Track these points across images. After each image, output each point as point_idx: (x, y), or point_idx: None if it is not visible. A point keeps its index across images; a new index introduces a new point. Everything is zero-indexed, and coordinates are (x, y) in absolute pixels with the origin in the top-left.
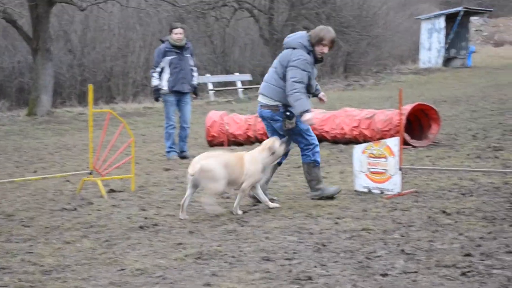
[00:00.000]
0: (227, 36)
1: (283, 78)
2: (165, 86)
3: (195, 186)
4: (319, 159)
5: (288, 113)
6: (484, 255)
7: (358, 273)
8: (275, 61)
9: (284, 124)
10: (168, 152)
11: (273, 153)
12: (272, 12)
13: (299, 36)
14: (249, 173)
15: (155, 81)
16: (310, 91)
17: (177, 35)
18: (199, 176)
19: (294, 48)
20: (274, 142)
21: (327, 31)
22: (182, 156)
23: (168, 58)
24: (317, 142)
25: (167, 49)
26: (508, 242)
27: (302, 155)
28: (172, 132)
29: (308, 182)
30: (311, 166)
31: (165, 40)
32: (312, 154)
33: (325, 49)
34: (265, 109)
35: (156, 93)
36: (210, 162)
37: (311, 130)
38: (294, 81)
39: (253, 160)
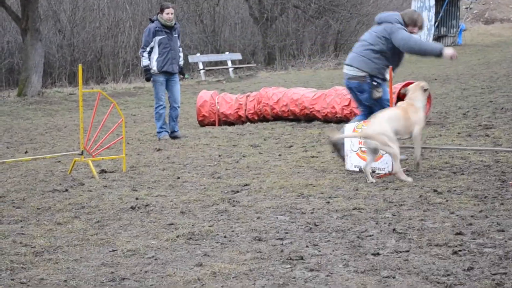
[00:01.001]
0: (217, 15)
1: (378, 50)
2: (154, 66)
3: (373, 151)
4: None
5: (375, 83)
6: (475, 233)
7: (349, 252)
8: (366, 35)
9: (373, 93)
10: (159, 132)
11: (425, 90)
12: None
13: (394, 14)
14: (416, 120)
15: (145, 61)
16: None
17: (168, 15)
18: (372, 142)
19: (391, 23)
20: (421, 83)
21: (418, 15)
22: (173, 136)
23: (157, 38)
24: None
25: (157, 28)
26: (499, 220)
27: None
28: (162, 112)
29: None
30: None
31: (154, 19)
32: None
33: (415, 30)
34: (353, 80)
35: (148, 73)
36: (375, 126)
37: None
38: (409, 37)
39: (415, 107)
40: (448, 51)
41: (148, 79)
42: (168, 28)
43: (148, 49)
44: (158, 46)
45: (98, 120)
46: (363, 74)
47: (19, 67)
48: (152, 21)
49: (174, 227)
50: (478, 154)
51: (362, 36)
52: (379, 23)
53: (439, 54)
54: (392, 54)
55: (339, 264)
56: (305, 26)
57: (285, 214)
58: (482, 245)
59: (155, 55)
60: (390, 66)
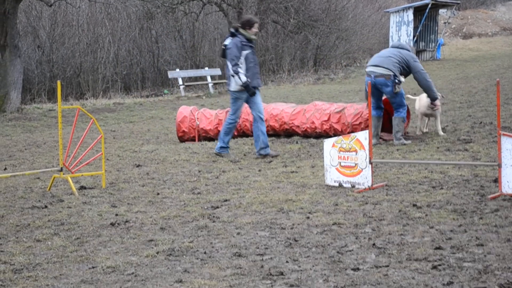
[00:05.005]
0: (196, 31)
1: (399, 59)
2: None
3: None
4: (405, 117)
5: (397, 80)
6: (454, 248)
7: (329, 267)
8: (390, 49)
9: (395, 88)
10: (224, 147)
11: None
12: (241, 6)
13: (408, 45)
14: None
15: (244, 77)
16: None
17: (256, 29)
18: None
19: (409, 51)
20: None
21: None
22: (265, 153)
23: (244, 53)
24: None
25: (243, 43)
26: (478, 234)
27: (396, 111)
28: (233, 128)
29: (396, 133)
30: (401, 120)
31: (235, 33)
32: (404, 112)
33: None
34: (379, 77)
35: (250, 88)
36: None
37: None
38: (425, 72)
39: None
40: (438, 102)
41: (253, 94)
42: (251, 42)
43: (240, 65)
44: (245, 61)
45: (77, 136)
46: (390, 73)
47: None
48: (233, 35)
49: (154, 243)
50: (457, 168)
51: (384, 51)
52: (398, 47)
53: (434, 99)
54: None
55: (319, 280)
56: (285, 41)
57: (265, 230)
58: (462, 259)
59: (242, 70)
60: (369, 82)
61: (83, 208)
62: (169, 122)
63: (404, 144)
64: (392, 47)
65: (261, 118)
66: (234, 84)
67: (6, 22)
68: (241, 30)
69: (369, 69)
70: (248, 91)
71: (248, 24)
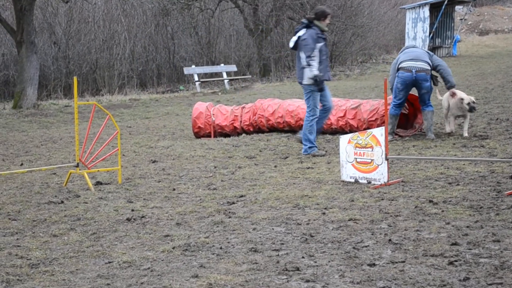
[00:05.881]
0: (212, 27)
1: (426, 55)
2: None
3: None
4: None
5: (432, 75)
6: (471, 244)
7: (345, 263)
8: (414, 48)
9: (434, 82)
10: (312, 147)
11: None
12: (256, 3)
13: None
14: None
15: (317, 71)
16: None
17: (329, 21)
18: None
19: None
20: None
21: None
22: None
23: (318, 45)
24: None
25: (318, 35)
26: (495, 230)
27: (427, 106)
28: (315, 124)
29: (430, 126)
30: (433, 113)
31: (309, 25)
32: (432, 106)
33: None
34: (420, 72)
35: (321, 83)
36: None
37: None
38: (444, 62)
39: None
40: (455, 90)
41: (321, 90)
42: (324, 34)
43: (314, 57)
44: (319, 54)
45: (93, 132)
46: (429, 68)
47: (14, 79)
48: (307, 27)
49: (170, 239)
50: (474, 164)
51: (413, 48)
52: (412, 47)
53: (451, 86)
54: None
55: (335, 275)
56: None
57: (281, 225)
58: (478, 255)
59: (315, 63)
60: (385, 78)
61: (99, 203)
62: (184, 118)
63: (433, 139)
64: (409, 47)
65: (328, 109)
66: (307, 77)
67: (22, 18)
68: (315, 22)
69: (407, 63)
70: (318, 85)
71: (322, 15)
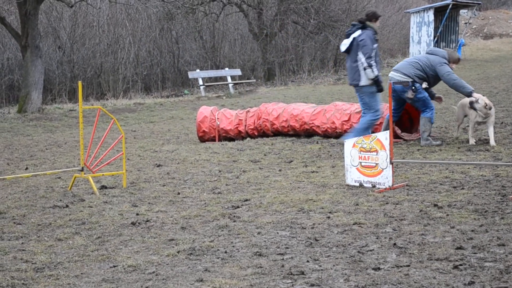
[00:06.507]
0: (217, 31)
1: (423, 65)
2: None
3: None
4: (433, 118)
5: (414, 87)
6: (476, 248)
7: (350, 267)
8: (420, 55)
9: (409, 94)
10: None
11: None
12: (261, 7)
13: (442, 51)
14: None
15: (377, 71)
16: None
17: (379, 23)
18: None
19: (439, 56)
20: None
21: (457, 55)
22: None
23: (375, 46)
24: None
25: (375, 36)
26: (500, 234)
27: (422, 112)
28: (371, 127)
29: (422, 133)
30: (427, 120)
31: (363, 26)
32: (430, 113)
33: (453, 66)
34: (397, 84)
35: (380, 84)
36: None
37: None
38: (451, 73)
39: None
40: (477, 94)
41: (381, 90)
42: (376, 36)
43: (373, 57)
44: (375, 55)
45: (98, 136)
46: (408, 79)
47: (19, 83)
48: (362, 28)
49: (175, 243)
50: (478, 168)
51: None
52: (429, 53)
53: (468, 94)
54: (432, 78)
55: (340, 279)
56: (305, 41)
57: (286, 229)
58: (483, 259)
59: (375, 64)
60: (389, 82)
61: (104, 207)
62: (189, 122)
63: (433, 145)
64: (426, 53)
65: (377, 111)
66: (366, 79)
67: (27, 23)
68: (368, 23)
69: (390, 74)
70: (378, 85)
71: (374, 17)
